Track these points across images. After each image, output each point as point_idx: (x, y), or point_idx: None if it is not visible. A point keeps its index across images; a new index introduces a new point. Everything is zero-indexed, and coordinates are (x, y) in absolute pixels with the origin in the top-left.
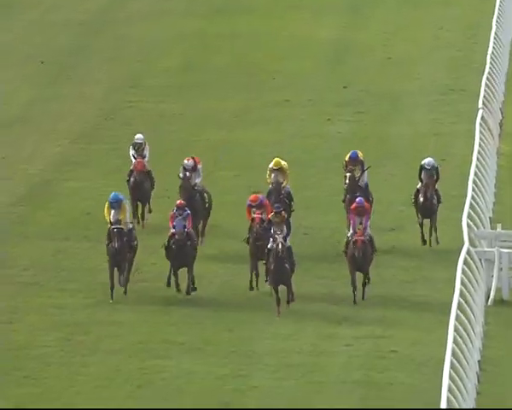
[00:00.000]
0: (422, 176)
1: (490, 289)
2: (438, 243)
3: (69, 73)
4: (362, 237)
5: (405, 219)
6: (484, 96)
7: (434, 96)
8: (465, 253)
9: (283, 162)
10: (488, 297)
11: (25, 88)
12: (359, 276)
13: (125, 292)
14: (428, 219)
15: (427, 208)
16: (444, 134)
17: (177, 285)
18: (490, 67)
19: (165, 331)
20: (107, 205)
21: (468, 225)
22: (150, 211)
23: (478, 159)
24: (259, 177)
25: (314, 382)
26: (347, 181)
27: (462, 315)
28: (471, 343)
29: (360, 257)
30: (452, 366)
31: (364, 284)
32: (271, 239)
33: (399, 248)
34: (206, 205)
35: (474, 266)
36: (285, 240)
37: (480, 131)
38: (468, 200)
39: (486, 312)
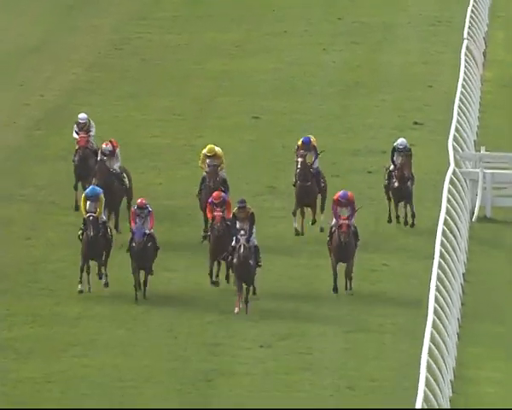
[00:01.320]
0: (395, 158)
1: (474, 207)
2: (413, 225)
3: (82, 7)
4: (347, 222)
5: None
6: (469, 27)
7: (423, 28)
8: (451, 173)
9: (217, 148)
10: (472, 214)
11: (40, 20)
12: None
13: (106, 283)
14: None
15: (402, 192)
16: (431, 63)
17: (139, 285)
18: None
19: None
20: (83, 197)
21: (454, 148)
22: None
23: (463, 85)
24: (259, 102)
25: (313, 289)
26: (299, 166)
27: (448, 231)
28: (456, 257)
29: (345, 244)
30: (439, 278)
31: (350, 279)
32: (235, 238)
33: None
34: (127, 186)
35: (460, 186)
36: (248, 241)
37: (465, 60)
38: (454, 124)
39: (471, 228)
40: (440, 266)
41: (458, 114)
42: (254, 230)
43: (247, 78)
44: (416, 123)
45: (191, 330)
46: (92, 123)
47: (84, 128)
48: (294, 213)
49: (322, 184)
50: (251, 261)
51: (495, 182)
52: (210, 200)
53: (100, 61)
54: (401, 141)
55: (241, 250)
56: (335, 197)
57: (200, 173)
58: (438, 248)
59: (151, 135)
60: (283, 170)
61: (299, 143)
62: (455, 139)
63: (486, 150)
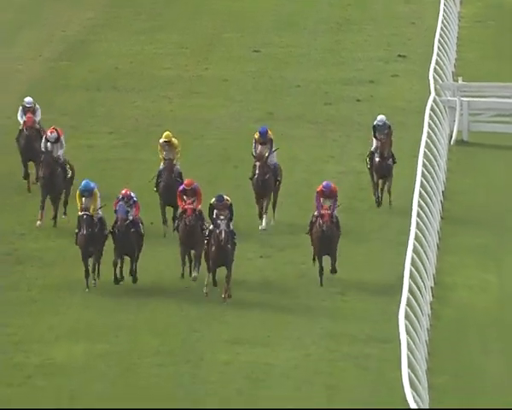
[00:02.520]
0: (376, 135)
1: (452, 132)
2: (390, 203)
3: None
4: (329, 211)
5: (382, 74)
6: None
7: None
8: (431, 101)
9: (174, 138)
10: (451, 138)
11: None
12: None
13: (95, 280)
14: (382, 180)
15: (383, 168)
16: (414, 2)
17: (121, 273)
18: None
19: None
20: (78, 193)
21: (434, 78)
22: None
23: (442, 22)
24: (260, 37)
25: (304, 209)
26: (258, 165)
27: (429, 153)
28: (436, 176)
29: (328, 233)
30: (421, 194)
31: (335, 271)
32: (213, 223)
33: (376, 97)
34: (68, 176)
35: (439, 113)
36: (228, 226)
37: None
38: (434, 57)
39: (449, 150)
40: (422, 185)
41: (438, 47)
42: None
43: (249, 15)
44: (400, 56)
45: None
46: (38, 106)
47: (29, 112)
48: (257, 203)
49: (279, 178)
50: (229, 246)
51: (471, 109)
52: (182, 187)
53: (116, 0)
54: (380, 118)
55: (222, 235)
56: (319, 188)
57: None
58: (420, 168)
59: (162, 67)
60: (280, 98)
61: (256, 135)
62: (435, 71)
63: (463, 81)
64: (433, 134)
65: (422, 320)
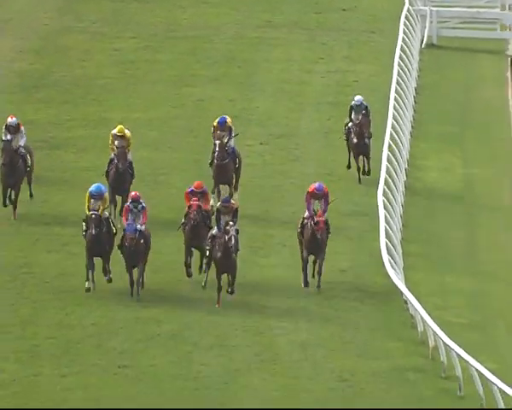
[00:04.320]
0: (353, 115)
1: (423, 37)
2: (369, 173)
3: None
4: (323, 218)
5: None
6: None
7: None
8: (406, 11)
9: (127, 130)
10: (422, 42)
11: None
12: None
13: (109, 279)
14: (361, 156)
15: (361, 147)
16: None
17: (132, 283)
18: None
19: None
20: (87, 195)
21: None
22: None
23: None
24: None
25: (297, 102)
26: (217, 149)
27: (403, 54)
28: (410, 74)
29: (320, 241)
30: (396, 91)
31: (320, 273)
32: (218, 228)
33: (359, 7)
34: (28, 168)
35: (412, 20)
36: (237, 232)
37: None
38: None
39: (421, 52)
40: (398, 82)
41: None
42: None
43: None
44: None
45: None
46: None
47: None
48: (213, 192)
49: (237, 164)
50: (234, 253)
51: (439, 17)
52: (190, 189)
53: None
54: (357, 98)
55: (232, 242)
56: (310, 189)
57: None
58: (396, 67)
59: None
60: (279, 8)
61: (215, 123)
62: None
63: None
64: (406, 39)
65: (398, 197)
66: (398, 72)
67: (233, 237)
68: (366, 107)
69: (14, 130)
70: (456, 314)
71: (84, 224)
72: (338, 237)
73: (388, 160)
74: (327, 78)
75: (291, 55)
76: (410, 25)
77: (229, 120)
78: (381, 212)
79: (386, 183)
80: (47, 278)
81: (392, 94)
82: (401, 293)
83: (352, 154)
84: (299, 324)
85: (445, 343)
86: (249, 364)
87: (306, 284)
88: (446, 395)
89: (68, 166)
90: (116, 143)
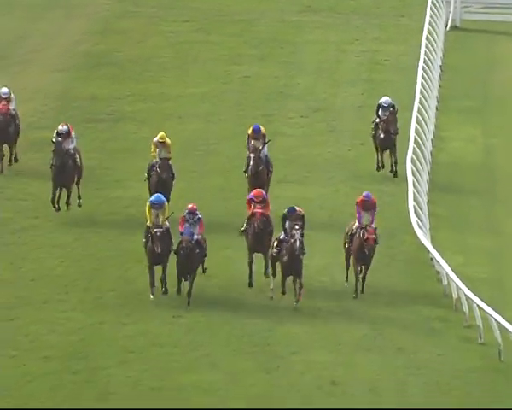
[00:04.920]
0: (380, 113)
1: (448, 20)
2: (396, 175)
3: None
4: (373, 236)
5: None
6: None
7: None
8: None
9: (167, 139)
10: (447, 25)
11: None
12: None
13: (165, 290)
14: (387, 151)
15: (387, 141)
16: None
17: (179, 290)
18: None
19: None
20: (148, 205)
21: None
22: (16, 160)
23: None
24: None
25: (334, 79)
26: (251, 162)
27: (429, 36)
28: (435, 53)
29: (368, 255)
30: (424, 69)
31: (364, 279)
32: (285, 233)
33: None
34: (78, 165)
35: (438, 5)
36: (302, 235)
37: None
38: None
39: (445, 34)
40: (425, 61)
41: None
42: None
43: None
44: None
45: None
46: (13, 96)
47: (5, 100)
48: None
49: (271, 168)
50: (301, 256)
51: (462, 2)
52: (250, 196)
53: None
54: (385, 99)
55: (297, 245)
56: (359, 199)
57: None
58: (423, 47)
59: None
60: None
61: (250, 131)
62: None
63: None
64: (432, 21)
65: (424, 164)
66: (425, 52)
67: (298, 241)
68: (393, 105)
69: (64, 136)
70: (477, 270)
71: (145, 235)
72: None
73: (416, 131)
74: (361, 57)
75: (328, 37)
76: (436, 9)
77: (262, 128)
78: (410, 177)
79: (414, 152)
80: (110, 236)
81: (420, 72)
82: (427, 251)
83: (378, 150)
84: (334, 277)
85: (466, 296)
86: (291, 312)
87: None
88: (468, 342)
89: (129, 136)
90: (157, 151)
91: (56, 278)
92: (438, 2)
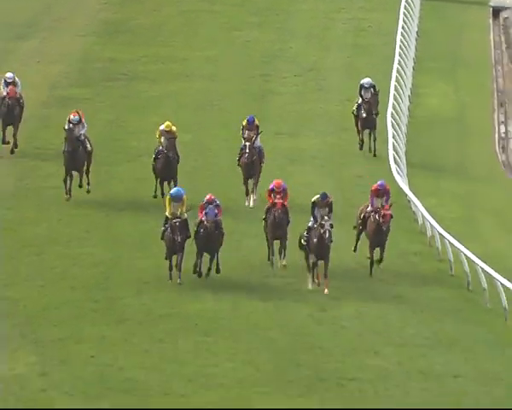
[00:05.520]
0: (362, 92)
1: None
2: (375, 154)
3: None
4: (389, 212)
5: None
6: None
7: None
8: None
9: (173, 127)
10: None
11: None
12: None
13: (179, 275)
14: (368, 130)
15: (369, 122)
16: None
17: (200, 269)
18: None
19: None
20: (168, 198)
21: None
22: (16, 146)
23: None
24: None
25: (323, 44)
26: (247, 150)
27: (407, 6)
28: (412, 21)
29: (385, 231)
30: (402, 34)
31: (381, 260)
32: (314, 220)
33: None
34: (89, 150)
35: None
36: (331, 226)
37: None
38: None
39: (421, 3)
40: (402, 27)
41: None
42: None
43: None
44: None
45: None
46: (17, 80)
47: (11, 84)
48: (244, 183)
49: (263, 160)
50: (330, 243)
51: None
52: (271, 187)
53: None
54: (367, 80)
55: (327, 235)
56: (374, 187)
57: None
58: (401, 14)
59: None
60: None
61: (244, 123)
62: None
63: None
64: None
65: (402, 118)
66: (403, 19)
67: (327, 231)
68: (374, 86)
69: (76, 124)
70: (448, 211)
71: (163, 224)
72: (355, 148)
73: (395, 89)
74: (347, 24)
75: (318, 6)
76: None
77: (256, 120)
78: (390, 130)
79: (393, 107)
80: (125, 182)
81: (399, 37)
82: (405, 194)
83: (359, 129)
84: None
85: (439, 233)
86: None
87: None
88: (440, 273)
89: (142, 94)
90: (163, 139)
91: (79, 219)
92: None
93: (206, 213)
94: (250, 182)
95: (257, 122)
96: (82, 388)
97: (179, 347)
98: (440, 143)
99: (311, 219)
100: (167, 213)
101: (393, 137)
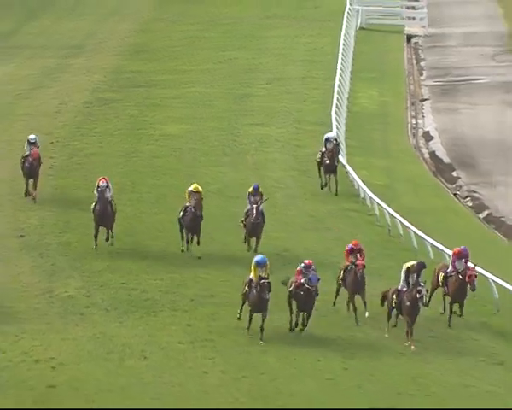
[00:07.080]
0: (327, 145)
1: (357, 24)
2: (337, 193)
3: None
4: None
5: None
6: None
7: None
8: (347, 8)
9: (200, 188)
10: (356, 26)
11: None
12: None
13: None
14: (330, 175)
15: (331, 166)
16: None
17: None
18: None
19: None
20: (254, 264)
21: None
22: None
23: None
24: None
25: (288, 59)
26: (254, 211)
27: (346, 33)
28: (350, 45)
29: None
30: (342, 56)
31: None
32: (407, 286)
33: None
34: (114, 210)
35: (351, 14)
36: (427, 291)
37: None
38: None
39: (356, 32)
40: (343, 49)
41: None
42: None
43: None
44: None
45: None
46: (38, 141)
47: (34, 145)
48: (246, 241)
49: (264, 222)
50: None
51: (367, 12)
52: (350, 247)
53: None
54: (330, 135)
55: (422, 300)
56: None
57: None
58: (342, 40)
59: None
60: (279, 4)
61: (251, 189)
62: None
63: None
64: (348, 24)
65: (343, 112)
66: (343, 43)
67: (423, 296)
68: (336, 139)
69: (104, 188)
70: (376, 179)
71: (246, 286)
72: (308, 136)
73: (338, 93)
74: (306, 46)
75: (286, 32)
76: (350, 17)
77: (260, 188)
78: (334, 122)
79: (336, 106)
80: (146, 159)
81: (340, 55)
82: (345, 167)
83: (322, 173)
84: (288, 184)
85: (369, 195)
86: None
87: None
88: (370, 224)
89: (158, 96)
90: (191, 198)
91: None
92: (350, 13)
93: (309, 279)
94: (252, 240)
95: (261, 190)
96: (115, 305)
97: (185, 276)
98: (369, 131)
99: (403, 283)
100: (253, 278)
101: (337, 128)
